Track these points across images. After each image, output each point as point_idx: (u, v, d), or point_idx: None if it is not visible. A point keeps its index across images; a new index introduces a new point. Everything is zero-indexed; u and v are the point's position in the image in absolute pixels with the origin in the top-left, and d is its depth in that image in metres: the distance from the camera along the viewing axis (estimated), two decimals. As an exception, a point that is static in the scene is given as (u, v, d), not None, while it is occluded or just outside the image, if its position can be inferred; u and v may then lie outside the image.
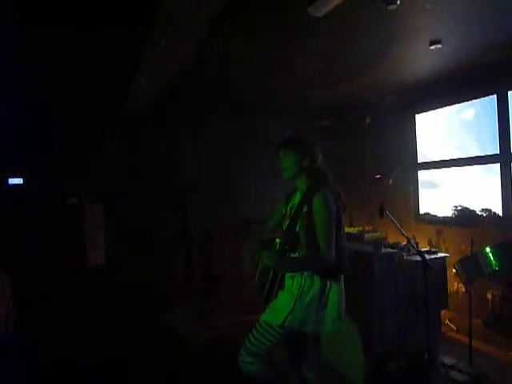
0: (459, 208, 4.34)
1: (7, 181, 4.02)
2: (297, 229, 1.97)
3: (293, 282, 1.97)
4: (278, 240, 2.01)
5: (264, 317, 1.98)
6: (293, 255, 1.99)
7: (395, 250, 3.19)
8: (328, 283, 1.94)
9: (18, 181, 4.06)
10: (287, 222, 2.07)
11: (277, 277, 1.98)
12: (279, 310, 1.94)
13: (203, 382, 2.80)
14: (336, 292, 1.94)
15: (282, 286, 1.99)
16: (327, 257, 1.84)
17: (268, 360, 2.00)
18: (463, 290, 3.93)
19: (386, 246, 3.30)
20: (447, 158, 4.53)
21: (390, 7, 2.39)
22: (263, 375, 1.99)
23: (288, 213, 2.12)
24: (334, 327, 1.95)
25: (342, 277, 2.02)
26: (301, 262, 1.99)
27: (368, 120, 5.22)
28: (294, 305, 1.91)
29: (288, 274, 1.98)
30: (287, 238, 2.01)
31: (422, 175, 4.85)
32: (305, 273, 1.94)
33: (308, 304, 1.91)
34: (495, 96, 3.90)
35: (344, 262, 2.00)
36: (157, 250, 4.53)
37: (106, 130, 4.40)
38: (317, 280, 1.93)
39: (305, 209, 1.94)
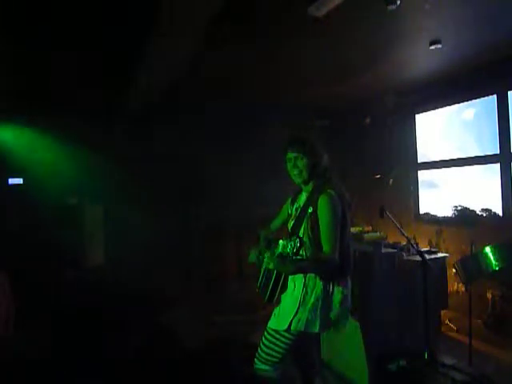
0: (459, 208, 4.34)
1: (7, 181, 4.02)
2: (301, 230, 1.94)
3: (295, 285, 1.95)
4: (281, 242, 1.96)
5: (270, 324, 1.97)
6: (297, 257, 1.91)
7: (395, 250, 3.19)
8: (331, 285, 1.91)
9: (18, 181, 4.06)
10: (292, 223, 2.04)
11: (280, 278, 1.95)
12: (284, 315, 1.93)
13: (203, 382, 2.80)
14: (339, 294, 1.92)
15: (284, 288, 1.97)
16: (331, 258, 1.80)
17: (282, 367, 1.98)
18: (463, 289, 3.92)
19: (386, 246, 3.30)
20: (447, 158, 4.53)
21: (389, 7, 2.39)
22: (277, 381, 1.98)
23: (293, 213, 2.08)
24: (340, 327, 1.97)
25: (349, 278, 2.00)
26: (304, 264, 1.92)
27: (368, 120, 5.22)
28: (297, 308, 1.89)
29: (290, 277, 1.96)
30: (292, 239, 1.93)
31: (422, 175, 4.85)
32: (307, 275, 1.91)
33: (312, 306, 1.89)
34: (495, 96, 3.90)
35: (348, 264, 1.97)
36: (157, 249, 4.53)
37: (106, 130, 4.41)
38: (319, 282, 1.90)
39: (310, 210, 1.91)
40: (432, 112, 4.71)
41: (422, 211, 4.80)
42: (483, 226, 3.94)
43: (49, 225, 3.73)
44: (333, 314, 1.92)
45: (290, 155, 1.99)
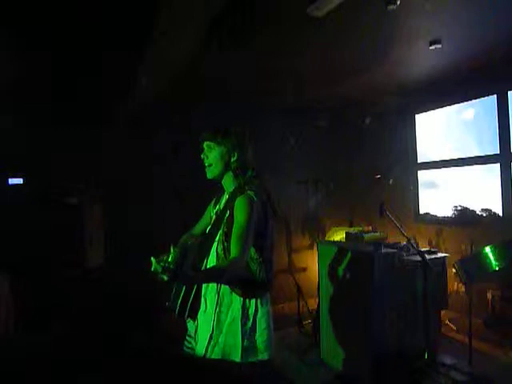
0: (459, 208, 4.34)
1: (7, 181, 4.01)
2: (217, 238, 1.68)
3: (206, 303, 1.68)
4: (172, 249, 1.62)
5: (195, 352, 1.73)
6: (210, 266, 1.69)
7: (395, 250, 3.18)
8: (251, 302, 1.63)
9: (18, 181, 4.06)
10: (209, 229, 1.79)
11: (190, 290, 1.68)
12: (199, 342, 1.68)
13: (203, 382, 2.80)
14: (265, 315, 1.66)
15: (197, 303, 1.71)
16: (236, 262, 1.50)
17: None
18: (463, 290, 3.92)
19: (386, 246, 3.29)
20: (447, 157, 4.53)
21: (389, 7, 2.39)
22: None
23: (213, 217, 1.83)
24: (267, 354, 1.64)
25: (269, 295, 1.71)
26: (206, 272, 1.65)
27: (368, 120, 5.22)
28: (212, 331, 1.62)
29: (202, 292, 1.70)
30: (206, 246, 1.72)
31: (422, 175, 4.85)
32: (221, 289, 1.64)
33: (229, 327, 1.61)
34: (495, 96, 3.90)
35: (270, 278, 1.69)
36: (157, 249, 4.52)
37: (105, 130, 4.40)
38: (236, 298, 1.62)
39: (227, 214, 1.66)
40: (432, 112, 4.71)
41: (422, 211, 4.80)
42: (483, 225, 3.94)
43: (48, 224, 3.72)
44: (258, 341, 1.62)
45: (203, 145, 1.79)
